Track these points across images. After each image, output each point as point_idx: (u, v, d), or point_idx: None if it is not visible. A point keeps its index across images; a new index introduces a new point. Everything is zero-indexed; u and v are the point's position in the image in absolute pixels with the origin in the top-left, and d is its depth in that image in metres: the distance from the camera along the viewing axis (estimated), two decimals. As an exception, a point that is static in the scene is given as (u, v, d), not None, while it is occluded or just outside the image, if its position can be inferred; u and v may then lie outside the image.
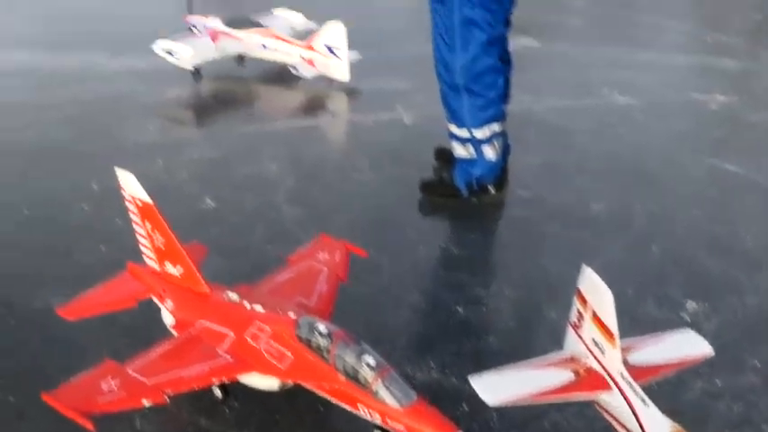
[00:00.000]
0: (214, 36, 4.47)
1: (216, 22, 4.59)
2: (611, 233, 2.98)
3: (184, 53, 4.26)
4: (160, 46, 4.31)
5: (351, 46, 4.30)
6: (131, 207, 2.01)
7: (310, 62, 4.31)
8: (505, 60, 3.06)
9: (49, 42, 5.15)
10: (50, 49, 4.99)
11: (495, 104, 2.99)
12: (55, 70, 4.62)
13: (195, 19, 4.68)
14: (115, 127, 3.83)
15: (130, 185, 1.95)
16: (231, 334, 1.79)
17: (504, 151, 3.17)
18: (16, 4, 6.21)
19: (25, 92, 4.29)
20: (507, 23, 3.00)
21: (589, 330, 1.64)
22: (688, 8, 7.20)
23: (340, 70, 4.30)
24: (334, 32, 4.24)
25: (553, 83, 4.71)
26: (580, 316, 1.66)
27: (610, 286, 1.53)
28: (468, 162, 3.08)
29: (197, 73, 4.46)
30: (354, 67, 4.36)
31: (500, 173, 3.17)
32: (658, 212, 3.14)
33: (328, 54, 4.27)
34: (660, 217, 3.11)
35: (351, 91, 4.41)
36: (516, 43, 5.28)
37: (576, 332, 1.70)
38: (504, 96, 3.06)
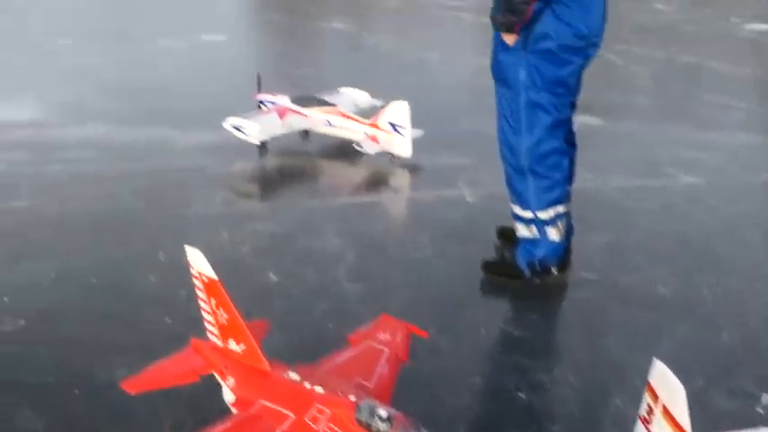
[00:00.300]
0: (282, 113, 4.60)
1: (284, 100, 4.73)
2: (678, 317, 2.89)
3: (252, 129, 4.39)
4: (229, 122, 4.46)
5: (413, 122, 4.37)
6: (197, 283, 2.05)
7: (374, 139, 4.39)
8: (570, 142, 3.06)
9: (123, 116, 5.38)
10: (124, 123, 5.21)
11: (560, 186, 2.97)
12: (128, 143, 4.80)
13: (264, 96, 4.85)
14: (183, 199, 3.94)
15: (198, 262, 1.99)
16: (291, 415, 1.78)
17: (568, 232, 3.13)
18: (90, 79, 6.52)
19: (98, 163, 4.46)
20: (573, 106, 3.01)
21: (660, 426, 1.57)
22: (753, 87, 7.11)
23: (403, 147, 4.36)
24: (399, 111, 4.32)
25: (618, 162, 4.67)
26: (650, 410, 1.60)
27: (677, 374, 1.47)
28: (532, 242, 3.05)
29: (263, 147, 4.59)
30: (417, 144, 4.42)
31: (563, 254, 3.12)
32: (728, 296, 3.05)
33: (392, 131, 4.35)
34: (730, 301, 3.01)
35: (413, 167, 4.46)
36: (580, 122, 5.30)
37: (647, 427, 1.63)
38: (569, 178, 3.05)
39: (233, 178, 4.32)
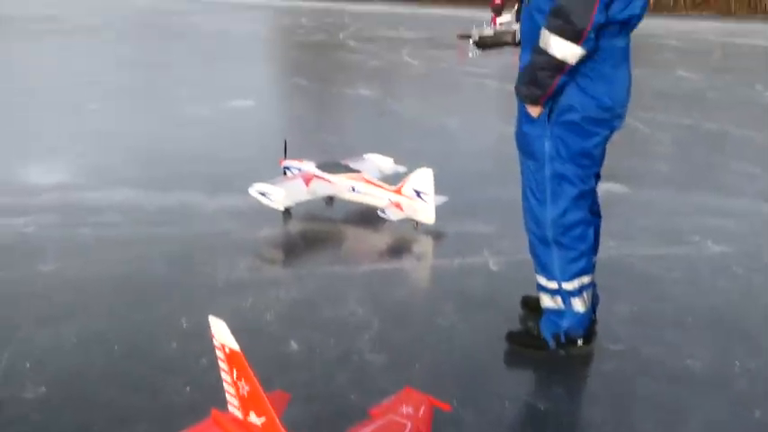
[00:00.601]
0: (307, 179, 4.65)
1: (309, 166, 4.80)
2: (707, 392, 2.82)
3: (277, 195, 4.44)
4: (255, 188, 4.52)
5: (437, 188, 4.40)
6: (219, 353, 2.04)
7: (398, 206, 4.41)
8: (595, 212, 3.05)
9: (151, 181, 5.47)
10: (152, 188, 5.29)
11: (586, 257, 2.95)
12: (155, 208, 4.87)
13: (290, 162, 4.92)
14: (208, 264, 3.96)
15: (221, 333, 1.99)
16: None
17: (594, 302, 3.10)
18: (119, 144, 6.67)
19: (125, 228, 4.51)
20: (598, 177, 3.01)
21: None
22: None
23: (427, 214, 4.38)
24: (423, 178, 4.35)
25: (642, 229, 4.65)
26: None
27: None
28: (556, 313, 3.02)
29: (287, 213, 4.63)
30: (440, 210, 4.44)
31: (589, 325, 3.08)
32: (760, 372, 2.97)
33: (416, 198, 4.37)
34: (762, 378, 2.94)
35: (436, 234, 4.47)
36: (604, 189, 5.30)
37: None
38: (594, 248, 3.03)
39: (258, 244, 4.34)
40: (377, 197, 4.56)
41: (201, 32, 20.81)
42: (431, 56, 15.11)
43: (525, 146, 2.92)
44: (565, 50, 2.59)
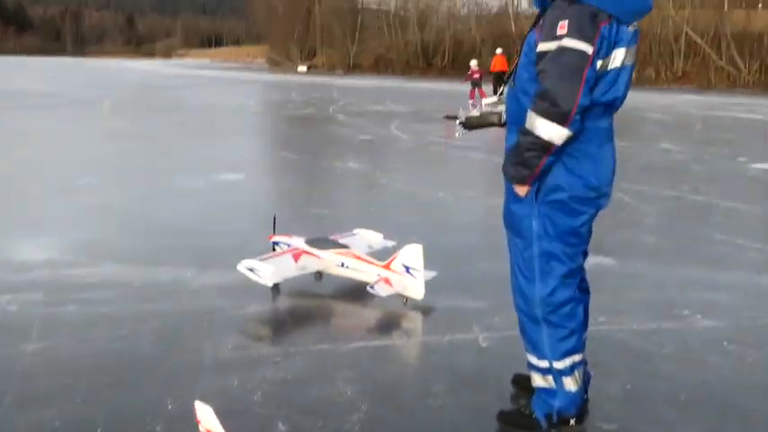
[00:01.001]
0: (296, 255, 4.65)
1: (298, 242, 4.79)
2: (704, 474, 2.77)
3: (266, 271, 4.42)
4: (244, 265, 4.50)
5: (426, 262, 4.39)
6: (205, 440, 1.99)
7: (387, 281, 4.40)
8: (584, 289, 3.05)
9: (139, 255, 5.46)
10: (140, 263, 5.27)
11: (576, 335, 2.94)
12: (143, 283, 4.83)
13: (279, 238, 4.92)
14: (196, 342, 3.91)
15: (207, 419, 1.95)
16: None
17: (585, 380, 3.07)
18: (108, 218, 6.67)
19: (112, 304, 4.46)
20: (585, 254, 3.02)
21: None
22: (765, 227, 7.14)
23: (416, 289, 4.36)
24: (412, 253, 4.35)
25: (631, 303, 4.63)
26: None
27: None
28: (548, 393, 2.98)
29: (276, 288, 4.60)
30: (429, 285, 4.42)
31: (581, 403, 3.04)
32: (756, 452, 2.93)
33: (405, 274, 4.36)
34: (758, 458, 2.89)
35: (426, 310, 4.44)
36: (590, 261, 5.30)
37: None
38: (584, 325, 3.02)
39: (246, 321, 4.30)
40: (366, 273, 4.54)
41: (192, 106, 21.10)
42: (418, 130, 15.35)
43: (513, 224, 2.94)
44: (551, 132, 2.63)
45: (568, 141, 2.69)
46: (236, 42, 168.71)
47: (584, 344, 3.02)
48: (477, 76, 24.49)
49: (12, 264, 5.27)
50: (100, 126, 15.22)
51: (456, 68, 55.92)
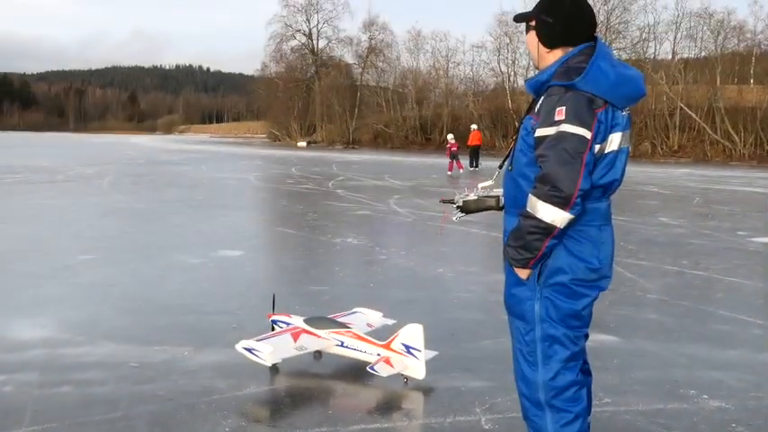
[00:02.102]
0: (295, 334, 4.60)
1: (297, 320, 4.75)
2: None
3: (265, 351, 4.37)
4: (242, 345, 4.44)
5: (426, 340, 4.34)
6: None
7: (387, 361, 4.33)
8: (586, 371, 3.00)
9: (136, 334, 5.39)
10: (137, 342, 5.20)
11: (581, 419, 2.89)
12: (140, 364, 4.76)
13: (278, 317, 4.87)
14: (193, 424, 3.83)
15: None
16: None
17: None
18: (106, 296, 6.62)
19: (109, 386, 4.39)
20: (586, 336, 2.99)
21: None
22: (766, 302, 7.09)
23: (417, 369, 4.30)
24: (412, 333, 4.31)
25: (636, 383, 4.55)
26: None
27: None
28: None
29: (274, 368, 4.53)
30: (430, 365, 4.36)
31: None
32: None
33: (406, 354, 4.30)
34: None
35: (427, 390, 4.35)
36: (593, 339, 5.24)
37: None
38: (588, 409, 2.96)
39: (243, 402, 4.21)
40: (366, 352, 4.48)
41: (192, 181, 21.26)
42: (417, 204, 15.42)
43: (514, 308, 2.92)
44: (554, 216, 2.65)
45: (569, 224, 2.70)
46: (237, 118, 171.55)
47: (588, 427, 2.96)
48: (455, 149, 26.86)
49: (7, 342, 5.20)
50: (100, 201, 15.28)
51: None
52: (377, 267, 8.25)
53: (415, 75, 64.04)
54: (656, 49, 48.38)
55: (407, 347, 4.31)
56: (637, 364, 4.94)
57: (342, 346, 4.59)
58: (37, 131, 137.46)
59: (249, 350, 4.42)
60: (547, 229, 2.67)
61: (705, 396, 4.32)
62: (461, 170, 26.98)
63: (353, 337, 4.59)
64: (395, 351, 4.36)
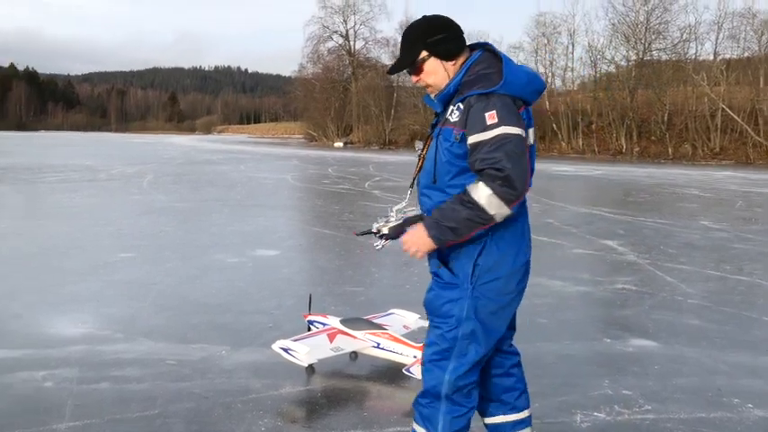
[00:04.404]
0: (331, 335, 4.59)
1: (334, 321, 4.75)
2: None
3: (301, 351, 4.37)
4: (278, 344, 4.45)
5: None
6: None
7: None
8: (513, 352, 3.19)
9: (174, 333, 5.44)
10: (175, 340, 5.26)
11: (471, 414, 2.97)
12: (177, 361, 4.80)
13: (314, 317, 4.87)
14: (229, 423, 3.85)
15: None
16: None
17: None
18: (144, 294, 6.70)
19: (146, 383, 4.43)
20: (513, 329, 3.15)
21: None
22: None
23: (453, 372, 4.25)
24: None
25: (678, 390, 4.46)
26: None
27: None
28: None
29: (310, 369, 4.53)
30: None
31: None
32: None
33: (442, 357, 4.26)
34: None
35: (463, 393, 4.31)
36: (635, 345, 5.16)
37: None
38: (506, 401, 3.12)
39: (279, 402, 4.21)
40: (402, 354, 4.47)
41: (230, 181, 21.44)
42: (454, 205, 15.34)
43: (441, 308, 2.91)
44: (498, 210, 2.69)
45: (501, 222, 2.77)
46: (275, 119, 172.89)
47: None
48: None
49: (48, 338, 5.29)
50: (140, 200, 15.50)
51: (491, 144, 56.28)
52: (413, 269, 8.21)
53: (451, 76, 63.75)
54: (697, 50, 47.58)
55: (444, 350, 4.27)
56: (678, 370, 4.84)
57: (378, 347, 4.58)
58: (80, 131, 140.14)
59: (285, 350, 4.43)
60: (485, 221, 2.71)
61: (750, 405, 4.22)
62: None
63: (390, 338, 4.57)
64: (431, 353, 4.32)
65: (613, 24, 50.07)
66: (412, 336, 4.74)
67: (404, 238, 2.94)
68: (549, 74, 54.75)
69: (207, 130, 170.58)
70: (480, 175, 2.71)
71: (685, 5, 51.61)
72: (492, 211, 2.69)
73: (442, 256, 2.89)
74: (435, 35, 2.90)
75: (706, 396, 4.36)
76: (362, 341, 4.61)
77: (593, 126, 49.54)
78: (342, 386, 4.51)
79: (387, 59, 68.50)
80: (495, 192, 2.67)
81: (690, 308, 6.60)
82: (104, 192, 17.70)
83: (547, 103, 52.52)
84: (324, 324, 4.79)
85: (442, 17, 2.98)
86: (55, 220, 12.17)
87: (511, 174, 2.66)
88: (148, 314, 6.03)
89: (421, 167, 2.99)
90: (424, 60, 2.93)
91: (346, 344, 4.60)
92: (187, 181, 21.50)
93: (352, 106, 67.44)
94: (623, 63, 50.41)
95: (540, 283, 7.45)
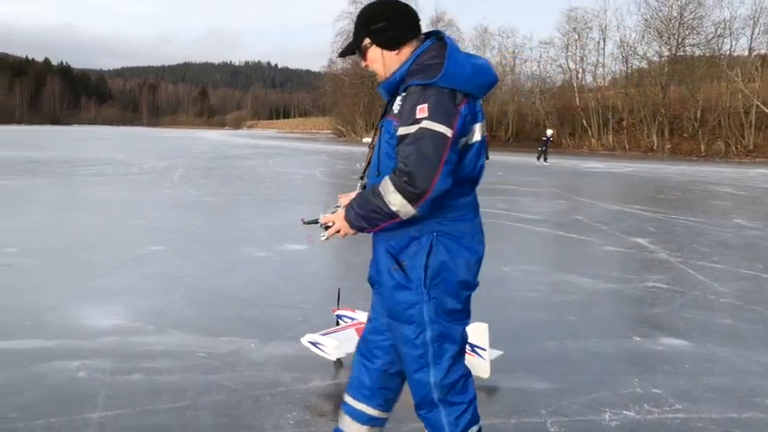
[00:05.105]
0: (359, 329, 4.60)
1: (362, 315, 4.76)
2: None
3: (330, 346, 4.39)
4: (307, 338, 4.48)
5: (491, 341, 4.29)
6: None
7: (451, 359, 4.30)
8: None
9: (204, 325, 5.50)
10: (205, 333, 5.31)
11: (472, 406, 2.94)
12: (207, 354, 4.85)
13: (343, 311, 4.89)
14: (258, 416, 3.88)
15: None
16: None
17: None
18: (175, 287, 6.77)
19: (177, 374, 4.48)
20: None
21: None
22: None
23: (481, 368, 4.25)
24: (478, 332, 4.26)
25: (709, 389, 4.41)
26: None
27: None
28: None
29: (339, 363, 4.56)
30: (494, 364, 4.31)
31: None
32: None
33: (470, 353, 4.26)
34: None
35: (491, 390, 4.31)
36: (665, 344, 5.11)
37: None
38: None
39: (308, 396, 4.24)
40: (430, 350, 4.46)
41: (260, 176, 21.58)
42: (481, 202, 15.27)
43: (401, 314, 2.86)
44: (400, 206, 2.65)
45: (447, 221, 2.77)
46: (304, 114, 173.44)
47: (477, 408, 2.99)
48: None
49: (82, 329, 5.37)
50: (171, 194, 15.66)
51: (520, 141, 56.08)
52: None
53: (481, 71, 63.49)
54: (731, 46, 46.89)
55: (472, 346, 4.27)
56: (709, 370, 4.79)
57: (406, 342, 4.58)
58: (112, 125, 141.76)
59: (314, 344, 4.46)
60: (390, 216, 2.68)
61: (783, 406, 4.16)
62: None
63: (418, 333, 4.57)
64: (460, 350, 4.32)
65: (646, 19, 49.57)
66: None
67: (329, 216, 2.92)
68: (580, 70, 54.28)
69: (237, 124, 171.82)
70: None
71: (720, 0, 50.79)
72: (394, 208, 2.65)
73: (391, 253, 2.85)
74: (377, 23, 2.85)
75: (738, 396, 4.31)
76: (391, 336, 4.61)
77: (624, 122, 49.06)
78: (370, 381, 4.52)
79: (416, 55, 68.35)
80: (397, 187, 2.62)
81: (722, 307, 6.52)
82: (136, 185, 17.92)
83: (577, 99, 52.09)
84: (352, 318, 4.80)
85: (390, 4, 2.89)
86: (88, 213, 12.34)
87: (413, 171, 2.59)
88: (179, 307, 6.10)
89: (370, 159, 2.96)
90: (366, 48, 2.90)
91: (374, 339, 4.60)
92: (217, 175, 21.68)
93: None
94: (655, 59, 49.87)
95: (569, 280, 7.41)
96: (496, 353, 4.40)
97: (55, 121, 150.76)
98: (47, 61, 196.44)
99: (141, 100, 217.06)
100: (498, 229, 11.13)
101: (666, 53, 48.64)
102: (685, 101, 45.69)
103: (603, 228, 11.53)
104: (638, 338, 5.41)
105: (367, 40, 2.88)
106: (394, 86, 2.84)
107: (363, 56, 2.93)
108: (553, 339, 5.27)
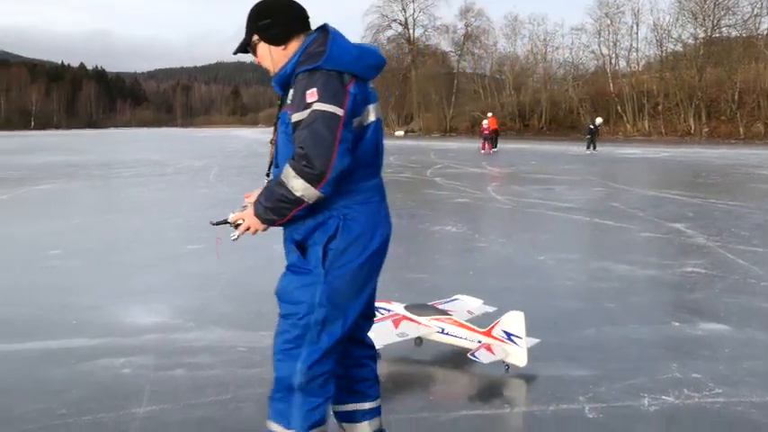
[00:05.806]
0: (396, 321, 4.65)
1: (398, 308, 4.80)
2: None
3: (367, 337, 4.43)
4: (344, 330, 4.52)
5: (528, 329, 4.30)
6: None
7: (489, 348, 4.32)
8: (371, 357, 3.24)
9: (243, 321, 5.58)
10: (244, 328, 5.39)
11: (324, 407, 2.90)
12: (247, 349, 4.93)
13: (379, 304, 4.93)
14: (297, 409, 3.93)
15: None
16: None
17: None
18: (214, 283, 6.88)
19: (218, 369, 4.57)
20: (369, 326, 3.18)
21: None
22: None
23: (518, 356, 4.27)
24: (514, 320, 4.28)
25: (749, 373, 4.36)
26: None
27: None
28: None
29: (376, 353, 4.59)
30: (532, 353, 4.32)
31: None
32: None
33: (507, 341, 4.29)
34: None
35: (528, 378, 4.32)
36: (705, 328, 5.08)
37: None
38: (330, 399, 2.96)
39: (346, 387, 4.30)
40: (467, 339, 4.49)
41: (294, 172, 21.68)
42: (516, 191, 15.24)
43: (291, 294, 2.86)
44: (304, 191, 2.64)
45: (353, 204, 2.77)
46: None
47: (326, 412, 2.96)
48: (486, 132, 32.98)
49: (124, 327, 5.50)
50: (207, 193, 15.86)
51: (553, 129, 55.61)
52: (476, 255, 8.23)
53: (512, 60, 63.22)
54: (769, 25, 45.83)
55: (508, 335, 4.29)
56: (749, 354, 4.74)
57: (442, 332, 4.62)
58: (147, 127, 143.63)
59: (351, 336, 4.50)
60: (296, 202, 2.67)
61: (827, 391, 4.10)
62: (491, 151, 30.98)
63: (454, 323, 4.60)
64: (496, 338, 4.35)
65: (680, 2, 48.74)
66: (476, 321, 4.75)
67: (237, 214, 2.92)
68: (613, 55, 53.58)
69: (269, 122, 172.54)
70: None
71: (756, -22, 49.71)
72: (298, 193, 2.65)
73: (296, 241, 2.85)
74: (263, 20, 2.89)
75: (779, 380, 4.26)
76: (427, 327, 4.66)
77: (660, 107, 48.36)
78: (407, 371, 4.57)
79: (446, 46, 68.30)
80: (297, 172, 2.62)
81: (763, 291, 6.43)
82: (173, 185, 18.18)
83: (611, 84, 51.46)
84: (388, 310, 4.84)
85: (277, 0, 2.93)
86: (127, 214, 12.57)
87: (310, 153, 2.59)
88: (218, 303, 6.20)
89: (272, 155, 2.97)
90: (255, 44, 2.94)
91: (411, 330, 4.65)
92: (250, 173, 21.86)
93: (412, 94, 67.37)
94: (690, 41, 49.04)
95: (606, 267, 7.36)
96: (533, 341, 4.41)
97: (92, 124, 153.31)
98: (82, 66, 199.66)
99: (175, 101, 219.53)
100: (533, 218, 11.09)
101: (702, 35, 47.82)
102: (722, 83, 44.86)
103: (640, 214, 11.42)
104: (677, 324, 5.37)
105: (255, 37, 2.93)
106: (285, 79, 2.87)
107: (254, 53, 2.99)
108: (591, 327, 5.26)
